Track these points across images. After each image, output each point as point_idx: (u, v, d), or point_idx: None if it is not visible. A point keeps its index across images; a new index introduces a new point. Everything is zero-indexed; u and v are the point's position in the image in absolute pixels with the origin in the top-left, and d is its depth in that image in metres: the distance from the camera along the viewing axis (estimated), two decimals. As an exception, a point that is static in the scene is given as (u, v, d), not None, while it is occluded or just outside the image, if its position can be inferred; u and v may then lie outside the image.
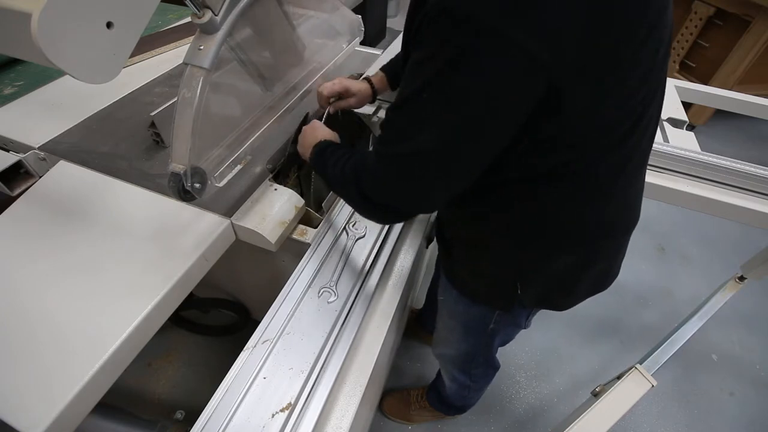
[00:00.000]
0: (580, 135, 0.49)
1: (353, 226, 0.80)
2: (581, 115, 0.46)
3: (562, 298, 0.72)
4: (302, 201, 0.81)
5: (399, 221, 0.83)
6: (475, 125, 0.44)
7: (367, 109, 1.01)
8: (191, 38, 0.59)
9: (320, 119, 0.81)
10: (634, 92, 0.48)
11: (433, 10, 0.40)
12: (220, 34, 0.57)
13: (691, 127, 1.08)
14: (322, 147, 0.67)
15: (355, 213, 0.83)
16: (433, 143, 0.46)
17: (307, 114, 0.92)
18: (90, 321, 0.59)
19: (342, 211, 0.83)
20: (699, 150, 0.95)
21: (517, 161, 0.51)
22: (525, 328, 0.83)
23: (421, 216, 0.93)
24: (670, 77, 1.02)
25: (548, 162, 0.51)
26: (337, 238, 0.78)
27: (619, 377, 0.90)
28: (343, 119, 1.23)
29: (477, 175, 0.51)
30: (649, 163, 0.74)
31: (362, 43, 1.12)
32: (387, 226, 0.82)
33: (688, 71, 2.59)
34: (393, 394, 1.34)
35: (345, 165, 0.59)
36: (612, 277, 0.73)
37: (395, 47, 1.21)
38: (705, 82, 2.39)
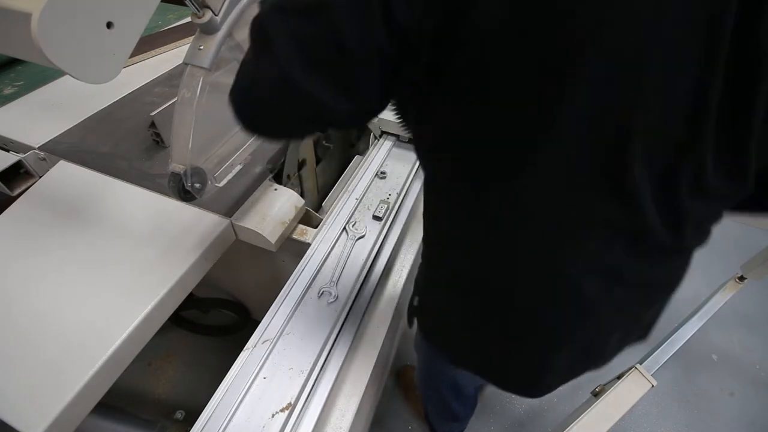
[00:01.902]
0: None
1: (353, 226, 0.80)
2: None
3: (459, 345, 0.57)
4: (302, 201, 0.81)
5: None
6: None
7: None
8: (191, 38, 0.59)
9: None
10: None
11: None
12: (220, 34, 0.57)
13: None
14: None
15: (355, 213, 0.84)
16: None
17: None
18: (90, 321, 0.59)
19: (342, 211, 0.83)
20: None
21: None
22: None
23: (420, 215, 0.93)
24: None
25: None
26: (337, 238, 0.78)
27: (619, 377, 0.90)
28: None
29: None
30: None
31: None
32: (387, 226, 0.82)
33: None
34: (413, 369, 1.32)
35: None
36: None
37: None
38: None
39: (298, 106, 0.37)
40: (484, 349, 0.53)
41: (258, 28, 0.35)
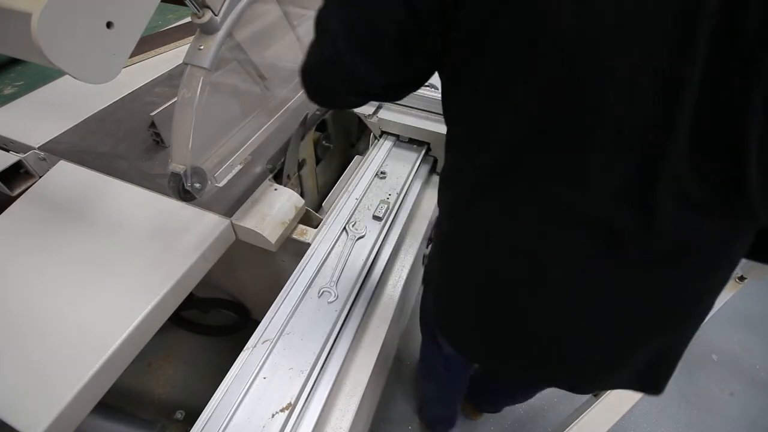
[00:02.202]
0: None
1: (353, 226, 0.80)
2: None
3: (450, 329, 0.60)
4: (302, 201, 0.81)
5: None
6: None
7: (367, 109, 1.01)
8: (191, 38, 0.59)
9: (316, 121, 0.80)
10: None
11: None
12: (220, 34, 0.57)
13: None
14: None
15: (355, 213, 0.84)
16: None
17: (307, 114, 0.92)
18: (90, 321, 0.59)
19: (342, 211, 0.83)
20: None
21: None
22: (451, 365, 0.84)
23: (420, 215, 0.93)
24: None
25: None
26: (337, 238, 0.78)
27: (619, 377, 0.90)
28: (344, 119, 1.23)
29: None
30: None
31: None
32: (387, 226, 0.82)
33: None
34: None
35: None
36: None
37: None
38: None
39: (348, 81, 0.44)
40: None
41: (319, 17, 0.42)
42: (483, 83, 0.38)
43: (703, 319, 0.47)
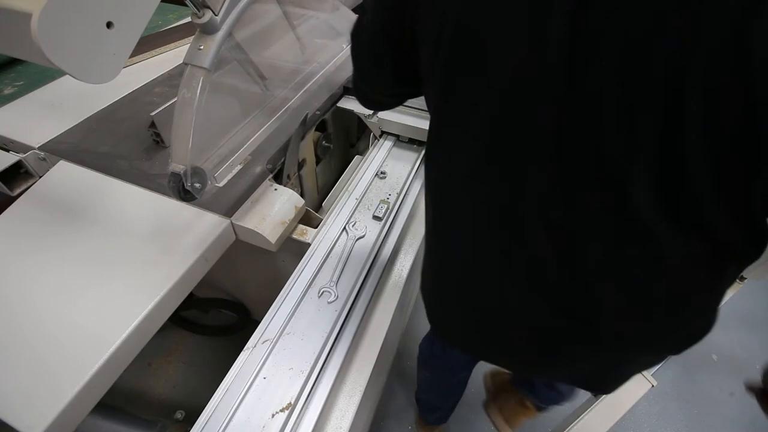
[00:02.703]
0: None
1: (353, 226, 0.80)
2: None
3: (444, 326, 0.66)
4: (302, 201, 0.81)
5: None
6: None
7: (367, 109, 1.01)
8: (191, 38, 0.59)
9: (316, 121, 0.81)
10: None
11: None
12: (220, 34, 0.57)
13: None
14: None
15: (355, 213, 0.84)
16: None
17: (307, 114, 0.92)
18: (90, 321, 0.59)
19: (342, 211, 0.83)
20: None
21: None
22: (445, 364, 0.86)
23: (420, 215, 0.93)
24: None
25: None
26: (337, 238, 0.78)
27: (619, 377, 0.90)
28: (344, 119, 1.23)
29: None
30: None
31: (362, 43, 1.12)
32: (387, 226, 0.82)
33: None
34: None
35: None
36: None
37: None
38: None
39: (371, 88, 0.58)
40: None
41: (351, 37, 0.54)
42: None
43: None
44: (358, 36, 0.52)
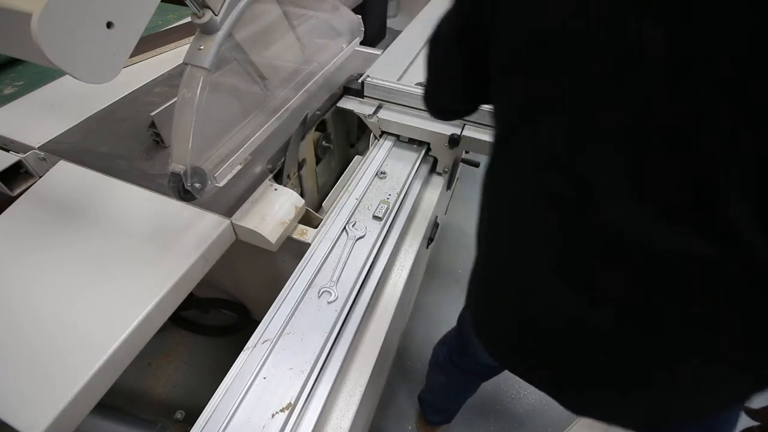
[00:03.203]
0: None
1: (353, 226, 0.80)
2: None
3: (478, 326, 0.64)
4: (302, 201, 0.81)
5: None
6: None
7: (367, 109, 1.01)
8: (191, 38, 0.59)
9: (316, 121, 0.81)
10: None
11: None
12: (220, 34, 0.58)
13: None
14: None
15: (355, 213, 0.84)
16: None
17: (307, 114, 0.92)
18: (90, 321, 0.59)
19: (342, 211, 0.83)
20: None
21: None
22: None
23: (420, 215, 0.93)
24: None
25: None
26: (337, 238, 0.78)
27: (619, 377, 0.90)
28: (344, 119, 1.23)
29: None
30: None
31: (362, 43, 1.12)
32: (387, 226, 0.82)
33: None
34: None
35: None
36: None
37: (395, 47, 1.21)
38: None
39: (440, 102, 0.63)
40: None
41: (427, 43, 0.56)
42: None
43: None
44: (435, 43, 0.53)
